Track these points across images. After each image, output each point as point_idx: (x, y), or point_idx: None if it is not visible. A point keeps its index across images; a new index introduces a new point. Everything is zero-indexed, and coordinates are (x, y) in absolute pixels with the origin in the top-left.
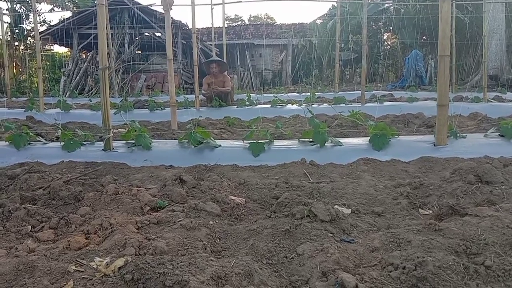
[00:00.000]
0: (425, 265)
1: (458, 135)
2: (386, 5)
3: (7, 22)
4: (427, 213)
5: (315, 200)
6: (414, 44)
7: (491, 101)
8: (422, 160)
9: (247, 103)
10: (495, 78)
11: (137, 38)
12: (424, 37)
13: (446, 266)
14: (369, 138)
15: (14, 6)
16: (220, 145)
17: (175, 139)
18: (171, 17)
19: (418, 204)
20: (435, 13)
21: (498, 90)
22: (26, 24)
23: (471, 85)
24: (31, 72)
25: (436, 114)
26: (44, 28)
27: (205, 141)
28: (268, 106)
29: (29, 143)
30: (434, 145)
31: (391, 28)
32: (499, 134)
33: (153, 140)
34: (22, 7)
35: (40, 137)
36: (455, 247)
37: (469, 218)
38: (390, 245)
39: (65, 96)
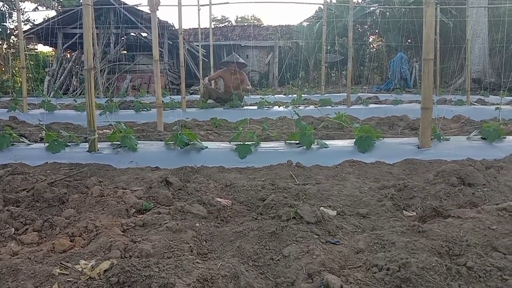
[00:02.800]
0: (408, 266)
1: (441, 137)
2: (372, 8)
3: None
4: (411, 214)
5: (301, 202)
6: (399, 47)
7: (474, 104)
8: (406, 162)
9: (233, 104)
10: (478, 81)
11: (123, 38)
12: (409, 40)
13: (429, 267)
14: (354, 140)
15: None
16: (206, 147)
17: (161, 141)
18: (158, 18)
19: (402, 206)
20: (420, 17)
21: (481, 93)
22: (9, 22)
23: (455, 88)
24: (14, 71)
25: (420, 116)
26: (27, 27)
27: (191, 142)
28: (255, 107)
29: (12, 144)
30: (418, 147)
31: (376, 31)
32: (481, 137)
33: (138, 142)
34: (5, 5)
35: (23, 138)
36: (438, 249)
37: (452, 219)
38: (375, 247)
39: (49, 96)
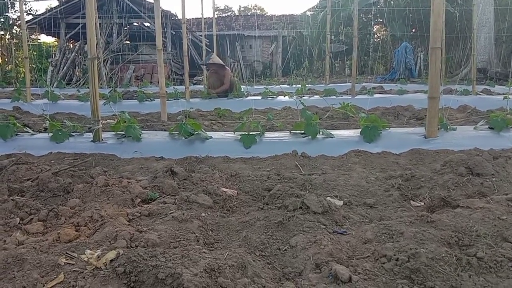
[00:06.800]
0: (418, 256)
1: (448, 127)
2: None
3: None
4: (419, 205)
5: (308, 192)
6: (403, 37)
7: (480, 94)
8: (413, 152)
9: (237, 94)
10: (483, 71)
11: (125, 28)
12: (413, 30)
13: (438, 257)
14: (360, 130)
15: None
16: (211, 137)
17: (165, 131)
18: (161, 7)
19: (409, 196)
20: (425, 6)
21: (486, 83)
22: (12, 13)
23: (460, 77)
24: (17, 62)
25: (425, 106)
26: (30, 17)
27: (196, 132)
28: (259, 97)
29: (16, 134)
30: (425, 137)
31: (381, 20)
32: (488, 127)
33: (143, 132)
34: None
35: (27, 128)
36: (448, 239)
37: (461, 210)
38: (383, 237)
39: (52, 86)
